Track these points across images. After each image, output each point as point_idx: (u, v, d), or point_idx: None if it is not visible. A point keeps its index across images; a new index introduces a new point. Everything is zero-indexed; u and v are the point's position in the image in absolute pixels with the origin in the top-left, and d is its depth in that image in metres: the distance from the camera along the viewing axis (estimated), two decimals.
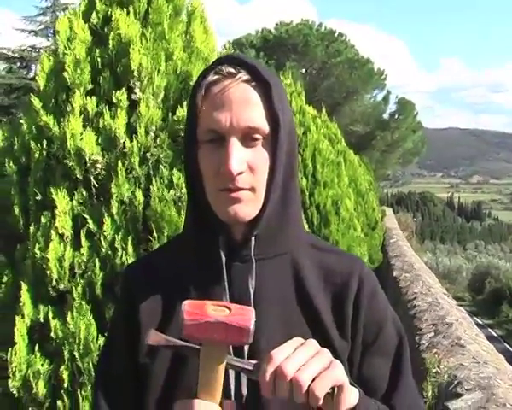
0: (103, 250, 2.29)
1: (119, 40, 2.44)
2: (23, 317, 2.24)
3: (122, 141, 2.37)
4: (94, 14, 2.51)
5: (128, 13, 2.49)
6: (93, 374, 2.12)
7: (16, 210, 2.39)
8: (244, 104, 1.03)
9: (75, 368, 2.22)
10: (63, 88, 2.43)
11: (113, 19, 2.46)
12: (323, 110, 9.90)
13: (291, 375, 0.88)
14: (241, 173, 1.02)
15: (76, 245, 2.31)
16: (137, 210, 2.34)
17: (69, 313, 2.24)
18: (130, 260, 2.22)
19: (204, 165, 1.06)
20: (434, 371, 4.16)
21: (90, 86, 2.43)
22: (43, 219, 2.32)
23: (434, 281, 8.89)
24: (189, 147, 1.09)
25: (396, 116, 28.80)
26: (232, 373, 1.04)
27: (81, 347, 2.21)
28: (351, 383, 0.95)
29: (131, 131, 2.40)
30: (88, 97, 2.39)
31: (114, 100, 2.38)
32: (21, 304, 2.24)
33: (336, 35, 27.15)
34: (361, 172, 14.13)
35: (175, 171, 2.37)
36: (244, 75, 1.04)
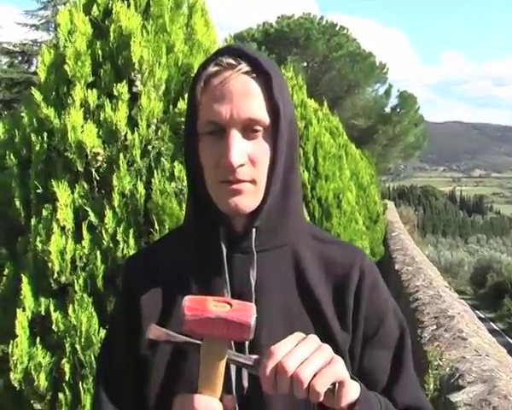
0: (105, 243, 2.29)
1: (119, 33, 2.43)
2: (24, 310, 2.24)
3: (123, 133, 2.36)
4: (95, 7, 2.50)
5: (129, 5, 2.48)
6: (94, 367, 2.12)
7: (17, 203, 2.38)
8: (244, 96, 1.02)
9: (77, 361, 2.22)
10: (64, 81, 2.43)
11: (113, 11, 2.45)
12: (325, 104, 9.86)
13: (292, 371, 0.88)
14: (241, 166, 1.02)
15: (77, 238, 2.31)
16: (139, 203, 2.33)
17: (70, 305, 2.24)
18: (132, 252, 2.22)
19: (204, 157, 1.06)
20: (436, 363, 4.16)
21: (90, 79, 2.42)
22: (44, 212, 2.31)
23: (436, 274, 8.88)
24: (189, 139, 1.08)
25: (398, 110, 28.70)
26: (233, 368, 1.03)
27: (82, 339, 2.21)
28: (351, 377, 0.95)
29: (133, 123, 2.39)
30: (89, 90, 2.38)
31: (115, 92, 2.37)
32: (22, 297, 2.24)
33: (338, 29, 27.05)
34: (363, 165, 14.10)
35: (176, 163, 2.36)
36: (245, 67, 1.03)
